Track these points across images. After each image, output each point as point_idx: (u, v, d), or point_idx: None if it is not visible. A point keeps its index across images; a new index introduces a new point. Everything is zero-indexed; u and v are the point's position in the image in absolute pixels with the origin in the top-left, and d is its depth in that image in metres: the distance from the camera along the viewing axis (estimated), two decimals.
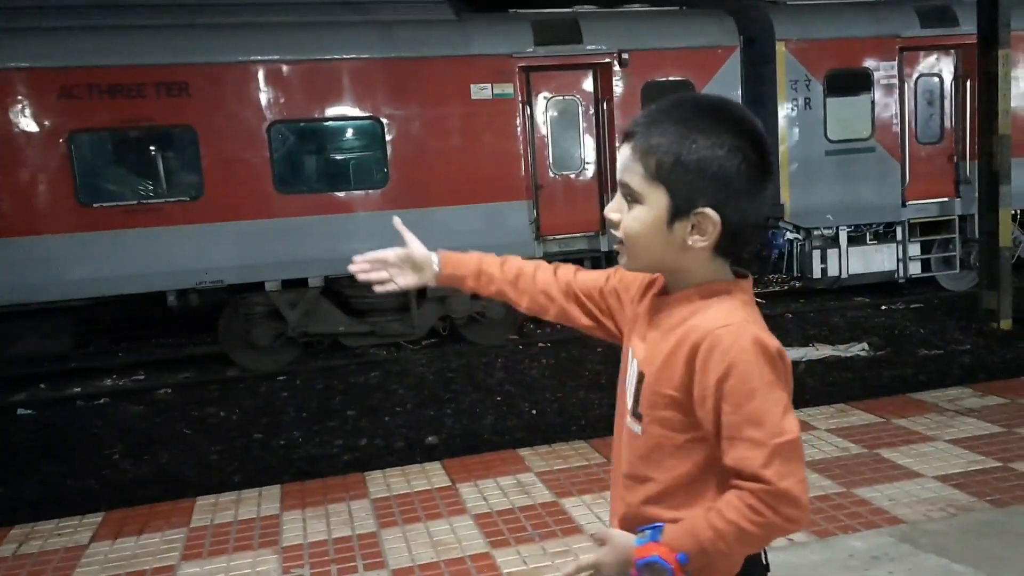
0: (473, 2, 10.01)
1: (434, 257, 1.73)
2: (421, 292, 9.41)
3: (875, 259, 10.75)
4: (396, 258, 1.73)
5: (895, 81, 10.50)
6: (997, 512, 3.69)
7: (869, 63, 10.42)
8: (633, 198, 1.42)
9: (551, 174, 9.82)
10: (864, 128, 10.46)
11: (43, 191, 8.33)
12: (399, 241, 1.75)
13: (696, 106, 1.42)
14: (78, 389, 8.90)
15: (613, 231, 1.47)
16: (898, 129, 10.58)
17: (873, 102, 10.45)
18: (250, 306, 9.13)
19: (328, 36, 8.98)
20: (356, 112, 9.19)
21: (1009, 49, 8.34)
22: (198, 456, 6.37)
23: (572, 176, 9.92)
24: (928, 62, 10.76)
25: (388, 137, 9.14)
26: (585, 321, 1.71)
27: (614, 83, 9.68)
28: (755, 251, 10.50)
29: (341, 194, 9.15)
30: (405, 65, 9.09)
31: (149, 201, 8.68)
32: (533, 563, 3.51)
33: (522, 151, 9.50)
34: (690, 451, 1.41)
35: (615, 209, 1.45)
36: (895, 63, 10.48)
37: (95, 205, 8.45)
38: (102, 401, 8.27)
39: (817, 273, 10.61)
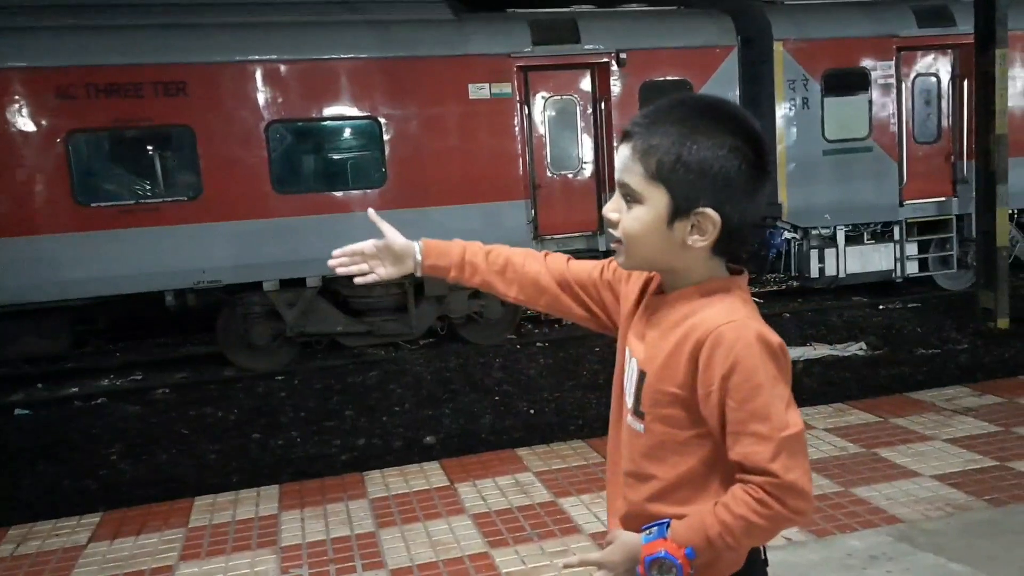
0: (471, 2, 10.01)
1: (416, 246, 1.70)
2: (419, 292, 9.42)
3: (872, 258, 10.76)
4: (375, 249, 1.70)
5: (892, 81, 10.51)
6: (995, 511, 3.70)
7: (866, 63, 10.43)
8: (633, 198, 1.42)
9: (549, 174, 9.83)
10: (862, 128, 10.47)
11: (41, 191, 8.32)
12: None
13: (695, 107, 1.43)
14: (75, 389, 8.89)
15: (612, 231, 1.47)
16: (896, 129, 10.59)
17: (871, 102, 10.46)
18: (248, 306, 9.12)
19: (326, 36, 8.98)
20: (354, 112, 9.18)
21: (1006, 48, 8.35)
22: (196, 456, 6.36)
23: (570, 176, 9.92)
24: (925, 62, 10.77)
25: (386, 137, 9.13)
26: (578, 311, 1.70)
27: (612, 83, 9.69)
28: (753, 250, 10.51)
29: (339, 194, 9.16)
30: (403, 65, 9.09)
31: (147, 201, 8.67)
32: (532, 563, 3.51)
33: (520, 151, 9.49)
34: (694, 447, 1.42)
35: (614, 209, 1.45)
36: (892, 63, 10.49)
37: (93, 205, 8.44)
38: (99, 401, 8.26)
39: (815, 272, 10.63)
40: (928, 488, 3.97)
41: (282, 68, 8.85)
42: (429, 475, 4.62)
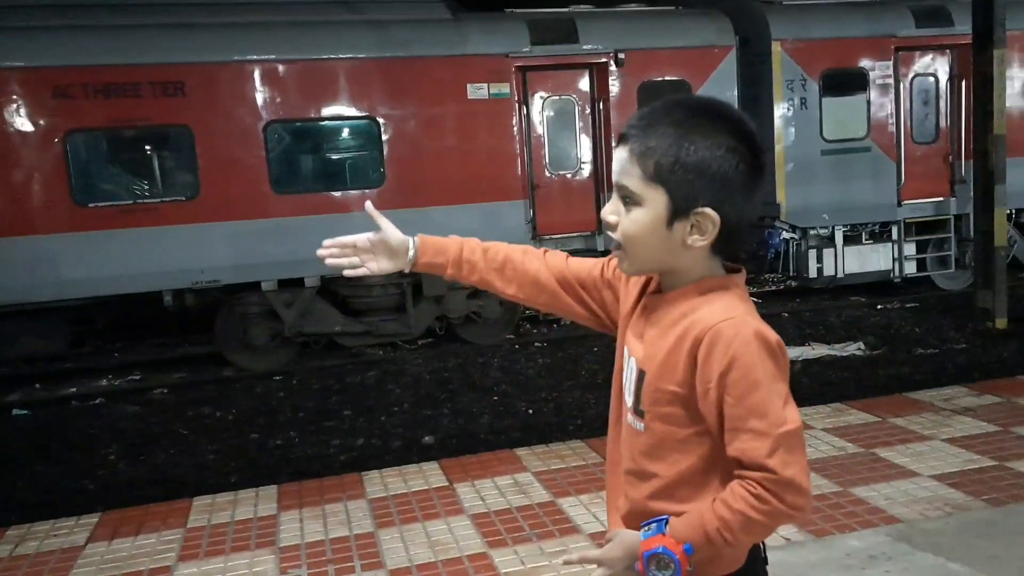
0: (469, 2, 10.01)
1: (412, 242, 1.68)
2: (417, 292, 9.42)
3: (871, 258, 10.77)
4: (367, 243, 1.69)
5: (891, 81, 10.52)
6: (993, 511, 3.70)
7: (865, 63, 10.44)
8: (631, 200, 1.42)
9: (547, 174, 9.82)
10: (860, 128, 10.48)
11: (39, 191, 8.30)
12: None
13: (691, 108, 1.44)
14: (73, 389, 8.88)
15: (611, 234, 1.47)
16: (894, 129, 10.60)
17: (869, 102, 10.47)
18: (246, 306, 9.11)
19: (324, 36, 8.97)
20: (352, 112, 9.18)
21: (1004, 49, 8.36)
22: (194, 456, 6.36)
23: (568, 176, 9.92)
24: (923, 62, 10.78)
25: (384, 137, 9.13)
26: (578, 310, 1.70)
27: (610, 83, 9.69)
28: (751, 250, 10.52)
29: (337, 194, 9.15)
30: (401, 65, 9.09)
31: (145, 201, 8.66)
32: (530, 563, 3.51)
33: (518, 151, 9.49)
34: (694, 445, 1.43)
35: (612, 212, 1.45)
36: (891, 63, 10.49)
37: (91, 205, 8.43)
38: (98, 401, 8.24)
39: (813, 272, 10.63)
40: (927, 488, 3.98)
41: (280, 68, 8.84)
42: (428, 475, 4.61)
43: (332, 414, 7.23)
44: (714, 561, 1.43)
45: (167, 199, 8.66)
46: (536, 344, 9.48)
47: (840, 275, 10.68)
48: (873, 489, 4.00)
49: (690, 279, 1.45)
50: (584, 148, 9.91)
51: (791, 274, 11.06)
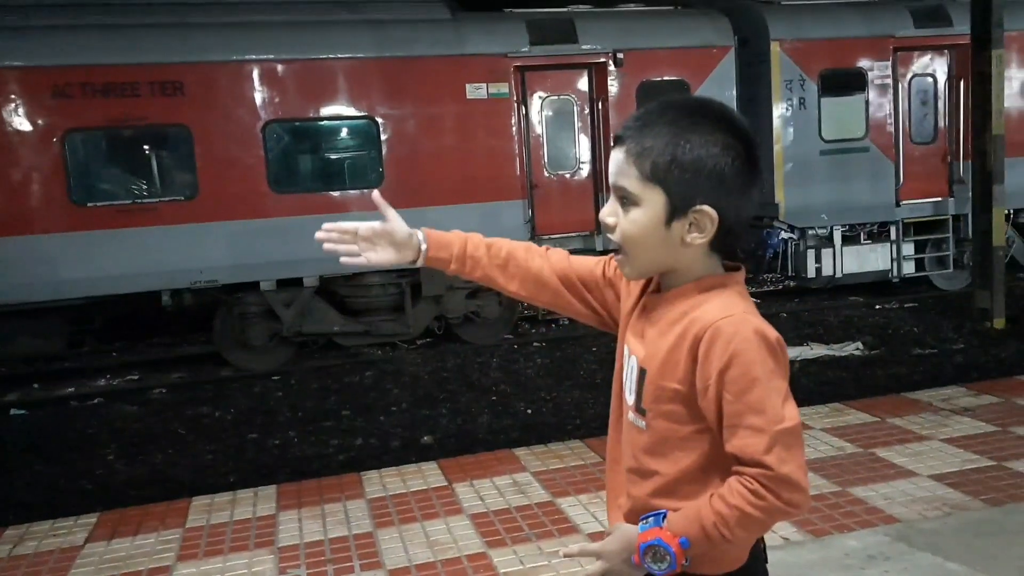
0: (468, 1, 10.00)
1: (420, 235, 1.65)
2: (416, 291, 9.42)
3: (869, 258, 10.78)
4: (370, 231, 1.62)
5: (889, 81, 10.53)
6: (992, 511, 3.71)
7: (863, 63, 10.45)
8: (629, 201, 1.43)
9: (546, 174, 9.82)
10: (858, 128, 10.49)
11: (37, 190, 8.30)
12: None
13: (684, 108, 1.45)
14: (72, 389, 8.87)
15: (609, 235, 1.48)
16: (892, 129, 10.61)
17: (867, 102, 10.47)
18: (245, 306, 9.11)
19: (323, 35, 8.97)
20: (351, 111, 9.18)
21: (1003, 49, 8.37)
22: (193, 456, 6.35)
23: (567, 176, 9.92)
24: (922, 62, 10.79)
25: (383, 136, 9.13)
26: (580, 308, 1.70)
27: (609, 83, 9.69)
28: (749, 248, 10.52)
29: (336, 194, 9.15)
30: (400, 64, 9.08)
31: (143, 200, 8.65)
32: (530, 563, 3.51)
33: (517, 151, 9.49)
34: (696, 442, 1.44)
35: (611, 213, 1.46)
36: (889, 63, 10.50)
37: (89, 204, 8.42)
38: (96, 401, 8.24)
39: (811, 272, 10.64)
40: (925, 488, 3.98)
41: (279, 68, 8.84)
42: (427, 475, 4.61)
43: (331, 414, 7.22)
44: (716, 559, 1.44)
45: (166, 199, 8.66)
46: (535, 344, 9.48)
47: (838, 275, 10.69)
48: (872, 489, 4.00)
49: (690, 278, 1.46)
50: (583, 148, 9.91)
51: (789, 274, 11.07)
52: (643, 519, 1.44)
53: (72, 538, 4.10)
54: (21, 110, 8.17)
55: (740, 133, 1.42)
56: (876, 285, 11.15)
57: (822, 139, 10.36)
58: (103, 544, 4.01)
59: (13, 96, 8.13)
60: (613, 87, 9.71)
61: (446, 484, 4.45)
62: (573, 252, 1.74)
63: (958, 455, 4.35)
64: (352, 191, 9.18)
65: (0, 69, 8.10)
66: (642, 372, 1.48)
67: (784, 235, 10.57)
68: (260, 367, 9.15)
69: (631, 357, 1.53)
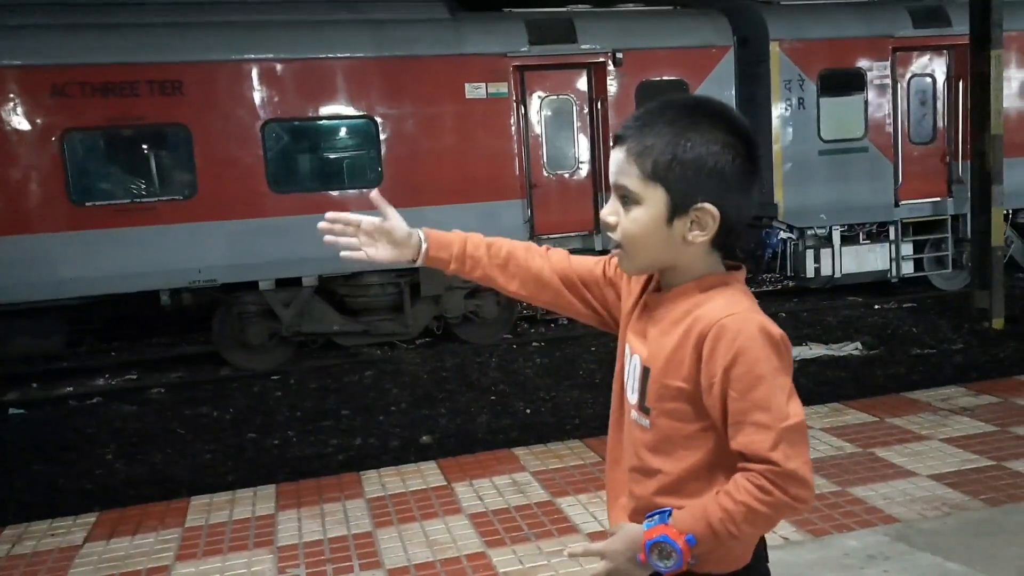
0: (467, 1, 10.00)
1: (420, 235, 1.66)
2: (415, 291, 9.42)
3: (868, 258, 10.78)
4: (371, 227, 1.63)
5: (888, 81, 10.54)
6: (991, 511, 3.71)
7: (862, 63, 10.45)
8: (630, 200, 1.44)
9: (545, 174, 9.82)
10: (857, 128, 10.49)
11: (36, 190, 8.29)
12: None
13: (684, 107, 1.46)
14: (70, 389, 8.87)
15: (610, 234, 1.48)
16: (891, 129, 10.61)
17: (866, 102, 10.47)
18: (244, 305, 9.11)
19: (322, 35, 8.96)
20: (350, 111, 9.17)
21: (1002, 49, 8.37)
22: (192, 456, 6.34)
23: (566, 176, 9.92)
24: (921, 62, 10.79)
25: (382, 136, 9.13)
26: (580, 308, 1.70)
27: (608, 83, 9.69)
28: (748, 248, 10.53)
29: (335, 193, 9.15)
30: (399, 64, 9.08)
31: (142, 200, 8.65)
32: (529, 563, 3.51)
33: (516, 150, 9.49)
34: (700, 440, 1.44)
35: (612, 212, 1.47)
36: (888, 63, 10.51)
37: (88, 204, 8.42)
38: (94, 401, 8.23)
39: (810, 272, 10.64)
40: (925, 488, 3.98)
41: (278, 67, 8.83)
42: (426, 475, 4.61)
43: (330, 414, 7.22)
44: (721, 558, 1.44)
45: (164, 198, 8.65)
46: (534, 344, 9.48)
47: (837, 275, 10.70)
48: (871, 489, 4.00)
49: (691, 276, 1.46)
50: (582, 148, 9.91)
51: (788, 274, 11.08)
52: (648, 517, 1.44)
53: (71, 537, 4.10)
54: (20, 109, 8.16)
55: (740, 131, 1.43)
56: (875, 285, 11.15)
57: (821, 139, 10.36)
58: (102, 544, 4.01)
59: (12, 95, 8.12)
60: (612, 87, 9.71)
61: (445, 484, 4.45)
62: (572, 252, 1.74)
63: (957, 455, 4.35)
64: (351, 191, 9.18)
65: None
66: (645, 371, 1.48)
67: (783, 235, 10.57)
68: (259, 367, 9.14)
69: (633, 356, 1.53)
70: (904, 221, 10.83)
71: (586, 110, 9.86)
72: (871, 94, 10.48)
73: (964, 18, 8.94)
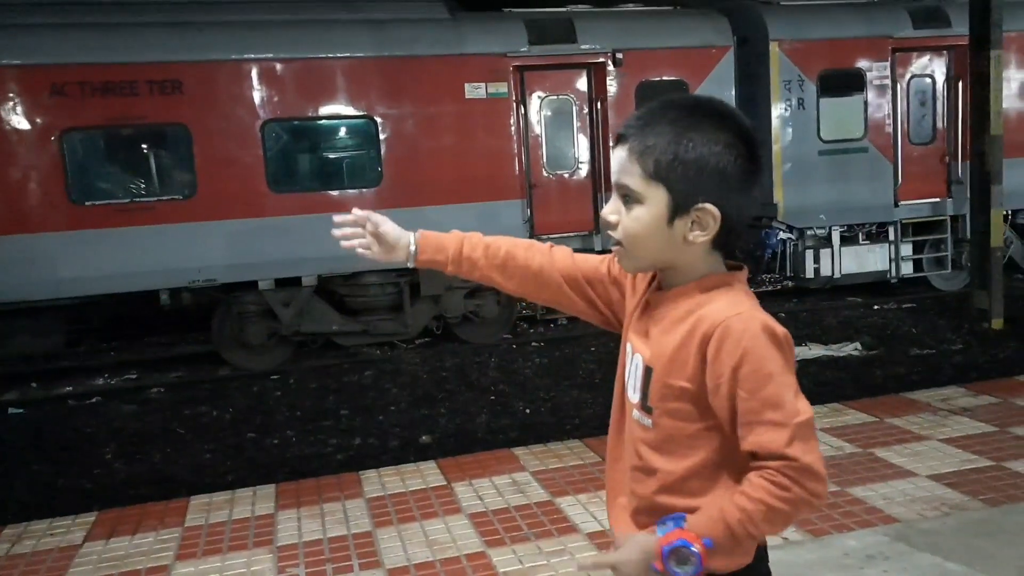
0: (467, 1, 10.00)
1: (411, 239, 1.67)
2: (415, 291, 9.42)
3: (868, 259, 10.79)
4: (372, 227, 1.67)
5: (888, 82, 10.54)
6: (991, 511, 3.71)
7: (862, 64, 10.46)
8: (632, 199, 1.44)
9: (545, 173, 9.82)
10: (857, 128, 10.49)
11: (35, 189, 8.29)
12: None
13: (686, 106, 1.46)
14: (70, 388, 8.86)
15: (611, 233, 1.48)
16: (891, 129, 10.62)
17: (866, 102, 10.48)
18: (243, 305, 9.10)
19: (322, 34, 8.96)
20: (350, 111, 9.17)
21: (1001, 50, 8.38)
22: (191, 455, 6.35)
23: (566, 176, 9.92)
24: (921, 63, 10.80)
25: (382, 136, 9.12)
26: (582, 307, 1.70)
27: (608, 83, 9.69)
28: (748, 248, 10.51)
29: (335, 193, 9.15)
30: (399, 64, 9.08)
31: (142, 199, 8.64)
32: (529, 562, 3.51)
33: (516, 150, 9.49)
34: (703, 440, 1.44)
35: (613, 211, 1.47)
36: (888, 64, 10.51)
37: (87, 203, 8.41)
38: (94, 400, 8.23)
39: (810, 273, 10.65)
40: (924, 488, 3.98)
41: (278, 67, 8.83)
42: (426, 474, 4.61)
43: (329, 413, 7.22)
44: (725, 556, 1.43)
45: (164, 198, 8.65)
46: (533, 344, 9.48)
47: (837, 275, 10.70)
48: (871, 489, 4.00)
49: (692, 276, 1.46)
50: (582, 148, 9.91)
51: (788, 274, 11.08)
52: (660, 523, 1.42)
53: (70, 537, 4.10)
54: (19, 109, 8.16)
55: (742, 131, 1.43)
56: (874, 285, 11.15)
57: (821, 139, 10.37)
58: (101, 543, 4.00)
59: (11, 95, 8.12)
60: (612, 87, 9.71)
61: (445, 483, 4.45)
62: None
63: (957, 455, 4.35)
64: (351, 190, 9.18)
65: None
66: (648, 370, 1.47)
67: (782, 235, 10.57)
68: (258, 366, 9.14)
69: (635, 355, 1.53)
70: (904, 221, 10.84)
71: (586, 110, 9.86)
72: (871, 94, 10.48)
73: (964, 18, 8.95)
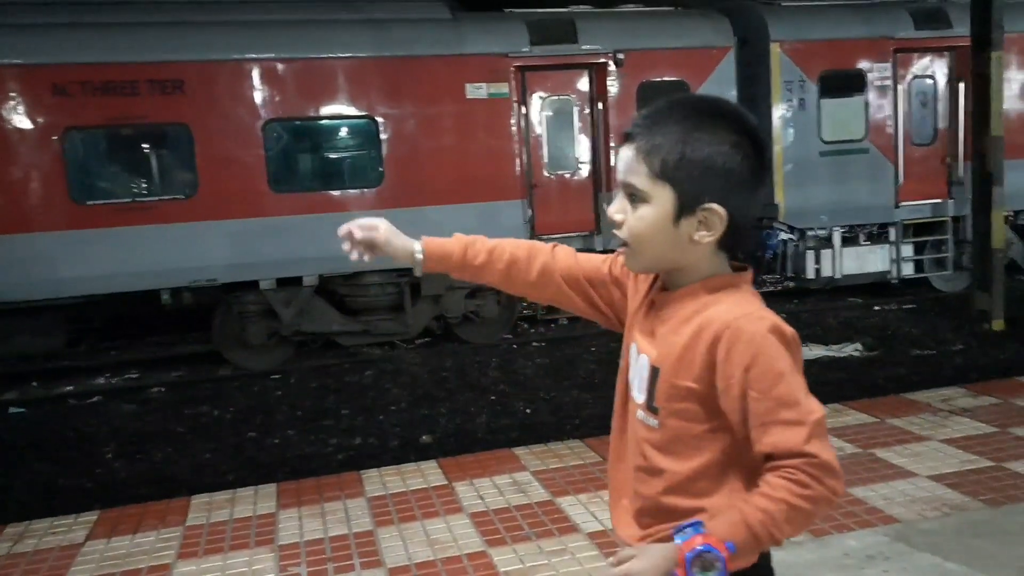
0: (468, 1, 10.01)
1: (416, 248, 1.68)
2: (415, 291, 9.42)
3: (868, 260, 10.79)
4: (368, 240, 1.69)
5: (889, 82, 10.54)
6: (991, 511, 3.71)
7: (863, 64, 10.46)
8: (638, 198, 1.43)
9: (546, 174, 9.83)
10: (858, 129, 10.50)
11: (36, 188, 8.29)
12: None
13: (694, 106, 1.46)
14: (70, 387, 8.87)
15: (616, 232, 1.48)
16: (892, 130, 10.62)
17: (867, 103, 10.48)
18: (244, 305, 9.11)
19: (323, 34, 8.97)
20: (351, 111, 9.18)
21: (1002, 51, 8.38)
22: (192, 455, 6.35)
23: (567, 176, 9.93)
24: (922, 64, 10.80)
25: (383, 136, 9.13)
26: (584, 307, 1.71)
27: (609, 83, 9.70)
28: (749, 249, 10.52)
29: (336, 193, 9.16)
30: (400, 64, 9.09)
31: (143, 199, 8.65)
32: (529, 562, 3.51)
33: (517, 151, 9.49)
34: (711, 440, 1.43)
35: (619, 210, 1.46)
36: (889, 64, 10.51)
37: (89, 203, 8.42)
38: (95, 400, 8.24)
39: (811, 273, 10.64)
40: (925, 488, 3.98)
41: (279, 67, 8.84)
42: (427, 474, 4.61)
43: (330, 413, 7.22)
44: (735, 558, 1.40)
45: (165, 197, 8.66)
46: (534, 344, 9.48)
47: (838, 276, 10.70)
48: (871, 489, 4.00)
49: (697, 276, 1.46)
50: (583, 148, 9.92)
51: (789, 275, 11.07)
52: (678, 530, 1.37)
53: (72, 536, 4.10)
54: (21, 108, 8.16)
55: (749, 132, 1.43)
56: (875, 286, 11.16)
57: (822, 140, 10.37)
58: (103, 542, 4.01)
59: (13, 94, 8.12)
60: (613, 88, 9.71)
61: (446, 483, 4.45)
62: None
63: (957, 456, 4.36)
64: (352, 190, 9.19)
65: (0, 67, 8.09)
66: (654, 370, 1.47)
67: (783, 236, 10.57)
68: (259, 366, 9.15)
69: (640, 355, 1.52)
70: (905, 222, 10.84)
71: (587, 110, 9.87)
72: (872, 95, 10.49)
73: (965, 20, 8.96)
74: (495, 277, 1.71)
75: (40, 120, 8.23)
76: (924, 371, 7.31)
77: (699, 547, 1.33)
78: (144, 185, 8.77)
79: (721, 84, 9.83)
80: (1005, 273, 8.85)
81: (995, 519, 3.64)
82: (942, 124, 10.85)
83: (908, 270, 11.04)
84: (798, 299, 11.34)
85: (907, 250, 10.98)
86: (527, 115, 9.64)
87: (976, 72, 8.55)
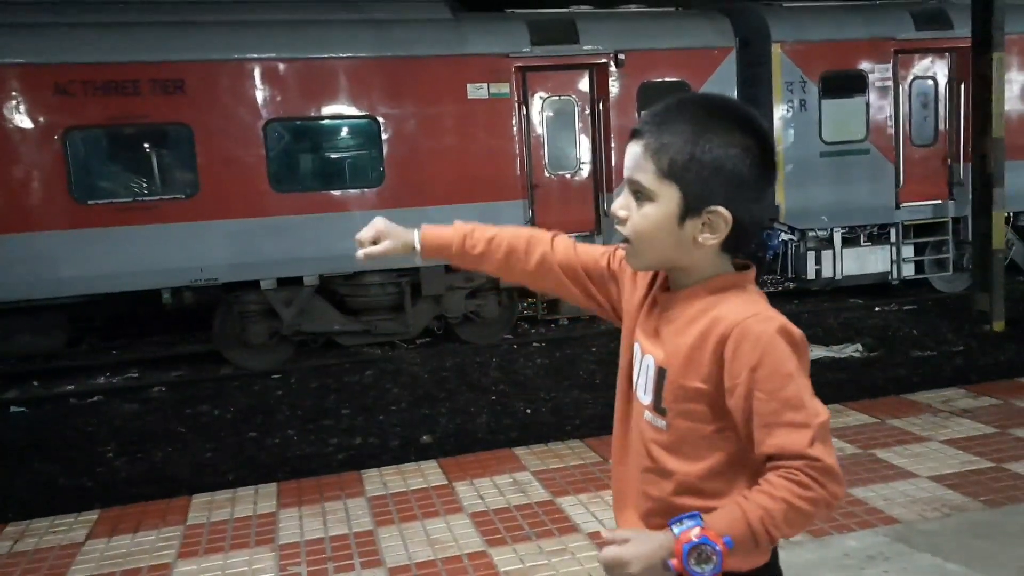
0: (469, 1, 10.01)
1: (415, 238, 1.74)
2: (416, 291, 9.43)
3: (869, 260, 10.79)
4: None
5: (890, 83, 10.54)
6: (991, 512, 3.71)
7: (864, 65, 10.46)
8: (643, 195, 1.42)
9: (546, 174, 9.83)
10: (859, 130, 10.50)
11: (38, 188, 8.30)
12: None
13: (705, 106, 1.44)
14: (71, 387, 8.87)
15: (620, 228, 1.47)
16: (892, 131, 10.62)
17: (868, 104, 10.48)
18: (245, 304, 9.11)
19: (324, 34, 8.97)
20: (352, 111, 9.18)
21: (1003, 52, 8.38)
22: (192, 454, 6.35)
23: (567, 176, 9.93)
24: (923, 65, 10.80)
25: (384, 136, 9.13)
26: (580, 297, 1.71)
27: (610, 83, 9.70)
28: (752, 252, 10.53)
29: (337, 193, 9.16)
30: (401, 64, 9.09)
31: (144, 198, 8.66)
32: (530, 561, 3.52)
33: (518, 151, 9.50)
34: (719, 440, 1.43)
35: (623, 206, 1.45)
36: (890, 65, 10.51)
37: (90, 202, 8.43)
38: (95, 399, 8.24)
39: (811, 274, 10.65)
40: (925, 489, 3.99)
41: (280, 66, 8.84)
42: (427, 474, 4.62)
43: (330, 413, 7.23)
44: (747, 554, 1.38)
45: (166, 197, 8.66)
46: (534, 344, 9.48)
47: (838, 277, 10.70)
48: (871, 490, 4.01)
49: (701, 276, 1.46)
50: (583, 148, 9.92)
51: (789, 276, 11.08)
52: (675, 522, 1.36)
53: (72, 535, 4.10)
54: (22, 107, 8.17)
55: (759, 135, 1.41)
56: (876, 287, 11.16)
57: (822, 141, 10.37)
58: (104, 541, 4.01)
59: (14, 93, 8.13)
60: (614, 88, 9.72)
61: (446, 483, 4.45)
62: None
63: (957, 456, 4.36)
64: (353, 190, 9.19)
65: (1, 66, 8.11)
66: (661, 371, 1.46)
67: (784, 237, 10.57)
68: (260, 366, 9.15)
69: (645, 356, 1.51)
70: (905, 223, 10.84)
71: (588, 111, 9.87)
72: (873, 96, 10.49)
73: (966, 21, 8.96)
74: (493, 267, 1.73)
75: (42, 120, 8.23)
76: (924, 372, 7.32)
77: (697, 539, 1.32)
78: (145, 185, 8.77)
79: (722, 85, 9.83)
80: (1005, 274, 8.85)
81: (995, 520, 3.64)
82: (943, 125, 10.86)
83: (908, 271, 11.04)
84: (798, 300, 11.34)
85: (907, 251, 10.98)
86: (528, 115, 9.64)
87: (977, 73, 8.55)
